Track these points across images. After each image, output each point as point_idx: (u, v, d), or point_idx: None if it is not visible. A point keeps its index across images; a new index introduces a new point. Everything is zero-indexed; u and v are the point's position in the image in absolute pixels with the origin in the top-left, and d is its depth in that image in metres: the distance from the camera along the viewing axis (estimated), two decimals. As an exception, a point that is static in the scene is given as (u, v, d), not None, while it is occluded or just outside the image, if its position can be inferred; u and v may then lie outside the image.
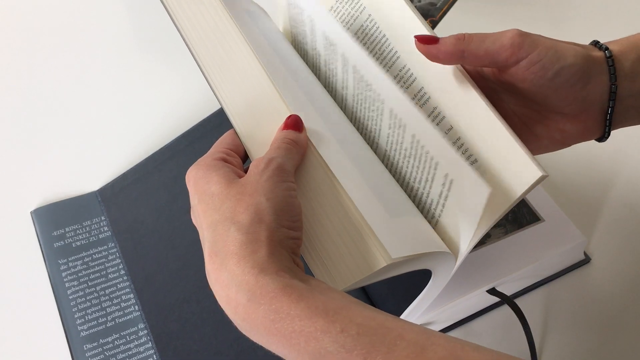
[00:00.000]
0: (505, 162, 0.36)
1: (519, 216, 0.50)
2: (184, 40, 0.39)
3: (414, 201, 0.40)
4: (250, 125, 0.37)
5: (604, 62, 0.37)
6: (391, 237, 0.34)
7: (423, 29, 0.39)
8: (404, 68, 0.41)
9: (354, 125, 0.43)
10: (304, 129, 0.36)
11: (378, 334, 0.28)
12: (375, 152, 0.42)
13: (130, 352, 0.46)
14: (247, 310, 0.30)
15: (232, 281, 0.30)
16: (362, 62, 0.39)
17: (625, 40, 0.39)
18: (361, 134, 0.43)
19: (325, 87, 0.45)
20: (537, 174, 0.34)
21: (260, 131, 0.37)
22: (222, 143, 0.37)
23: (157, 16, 0.70)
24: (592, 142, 0.41)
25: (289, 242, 0.32)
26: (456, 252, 0.38)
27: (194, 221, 0.35)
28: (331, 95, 0.45)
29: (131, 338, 0.47)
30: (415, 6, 0.70)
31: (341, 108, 0.44)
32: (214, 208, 0.32)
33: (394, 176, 0.41)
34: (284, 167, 0.34)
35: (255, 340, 0.31)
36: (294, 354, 0.30)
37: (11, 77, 0.64)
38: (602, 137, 0.40)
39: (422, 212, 0.40)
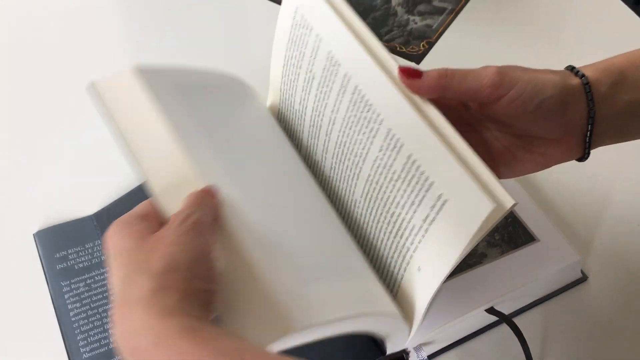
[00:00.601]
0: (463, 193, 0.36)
1: (515, 236, 0.51)
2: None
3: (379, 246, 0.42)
4: (163, 187, 0.37)
5: (582, 88, 0.39)
6: (300, 303, 0.34)
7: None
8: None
9: (334, 162, 0.44)
10: (217, 193, 0.36)
11: None
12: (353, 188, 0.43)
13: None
14: (151, 355, 0.29)
15: (138, 328, 0.30)
16: (370, 75, 0.40)
17: (600, 65, 0.41)
18: (338, 178, 0.44)
19: (310, 123, 0.46)
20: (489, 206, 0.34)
21: (174, 194, 0.36)
22: (143, 204, 0.37)
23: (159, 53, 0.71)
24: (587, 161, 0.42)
25: (202, 295, 0.32)
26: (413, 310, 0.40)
27: (109, 285, 0.35)
28: (314, 127, 0.46)
29: None
30: (412, 28, 0.71)
31: (324, 145, 0.45)
32: (126, 262, 0.32)
33: (368, 209, 0.42)
34: (202, 221, 0.34)
35: None
36: None
37: (14, 98, 0.65)
38: (583, 157, 0.42)
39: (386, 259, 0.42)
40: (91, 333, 0.48)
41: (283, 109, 0.50)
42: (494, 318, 0.48)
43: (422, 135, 0.37)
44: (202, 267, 0.32)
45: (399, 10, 0.74)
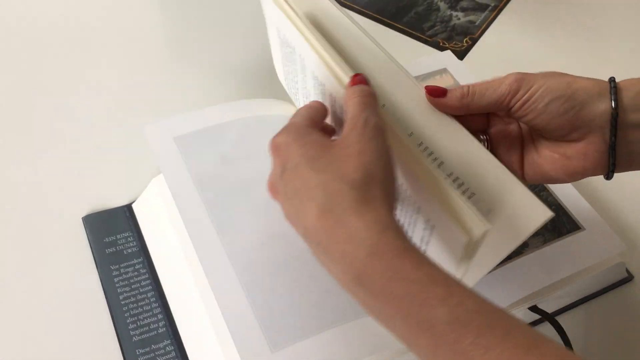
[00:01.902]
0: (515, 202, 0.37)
1: (559, 224, 0.51)
2: None
3: None
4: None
5: (608, 92, 0.40)
6: None
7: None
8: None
9: None
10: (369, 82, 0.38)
11: (494, 317, 0.29)
12: None
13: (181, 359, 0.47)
14: (364, 265, 0.29)
15: (352, 236, 0.30)
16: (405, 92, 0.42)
17: (636, 80, 0.41)
18: None
19: None
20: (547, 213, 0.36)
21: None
22: (303, 113, 0.38)
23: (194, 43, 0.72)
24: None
25: (393, 201, 0.33)
26: None
27: (274, 191, 0.35)
28: None
29: (181, 344, 0.48)
30: (455, 24, 0.71)
31: None
32: (319, 169, 0.32)
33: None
34: (380, 125, 0.35)
35: (357, 299, 0.31)
36: (399, 320, 0.29)
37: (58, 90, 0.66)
38: (608, 174, 0.42)
39: None
40: (140, 317, 0.49)
41: None
42: (536, 316, 0.49)
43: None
44: (392, 175, 0.33)
45: (442, 5, 0.74)
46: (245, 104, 0.56)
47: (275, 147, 0.35)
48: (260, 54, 0.63)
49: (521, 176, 0.43)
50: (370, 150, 0.33)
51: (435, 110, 0.41)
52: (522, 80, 0.40)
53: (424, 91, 0.41)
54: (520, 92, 0.40)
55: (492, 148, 0.44)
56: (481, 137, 0.44)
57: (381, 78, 0.42)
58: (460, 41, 0.70)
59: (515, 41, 0.70)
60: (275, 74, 0.57)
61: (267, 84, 0.62)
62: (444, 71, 0.58)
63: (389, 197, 0.33)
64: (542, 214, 0.36)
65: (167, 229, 0.52)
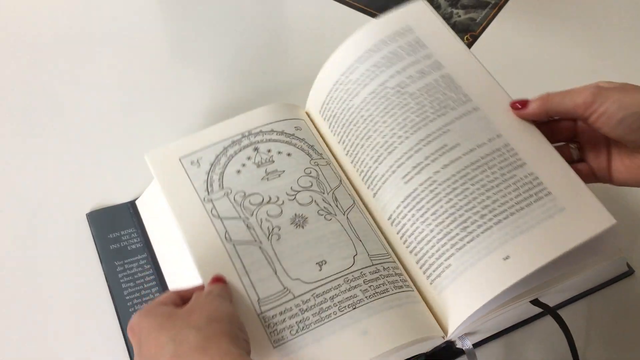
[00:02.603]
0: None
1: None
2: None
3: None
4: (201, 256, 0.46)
5: None
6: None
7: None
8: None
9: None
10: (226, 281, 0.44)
11: None
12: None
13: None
14: None
15: None
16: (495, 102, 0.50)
17: None
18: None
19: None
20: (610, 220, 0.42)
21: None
22: (162, 297, 0.42)
23: (197, 37, 0.72)
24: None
25: (243, 343, 0.38)
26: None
27: None
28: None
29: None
30: (455, 21, 0.72)
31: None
32: (169, 327, 0.37)
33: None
34: (225, 293, 0.42)
35: None
36: None
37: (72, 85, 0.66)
38: None
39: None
40: (145, 312, 0.49)
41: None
42: (537, 310, 0.49)
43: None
44: (235, 321, 0.39)
45: (442, 3, 0.74)
46: (255, 114, 0.54)
47: (130, 329, 0.40)
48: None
49: (609, 180, 0.47)
50: (212, 306, 0.39)
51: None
52: (597, 94, 0.43)
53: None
54: (595, 106, 0.43)
55: (582, 154, 0.48)
56: (571, 146, 0.48)
57: (475, 89, 0.49)
58: (461, 38, 0.70)
59: (516, 38, 0.71)
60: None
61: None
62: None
63: (233, 331, 0.38)
64: (606, 220, 0.42)
65: (170, 226, 0.52)
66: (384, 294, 0.44)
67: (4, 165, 0.59)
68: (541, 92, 0.63)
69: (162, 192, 0.49)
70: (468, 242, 0.44)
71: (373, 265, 0.45)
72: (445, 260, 0.45)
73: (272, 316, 0.43)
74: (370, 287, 0.44)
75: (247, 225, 0.47)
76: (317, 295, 0.44)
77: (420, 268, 0.46)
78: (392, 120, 0.49)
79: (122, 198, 0.57)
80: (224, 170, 0.50)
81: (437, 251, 0.45)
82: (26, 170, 0.59)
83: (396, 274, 0.45)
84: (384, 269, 0.45)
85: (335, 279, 0.44)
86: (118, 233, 0.54)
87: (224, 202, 0.48)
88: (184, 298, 0.42)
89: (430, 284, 0.45)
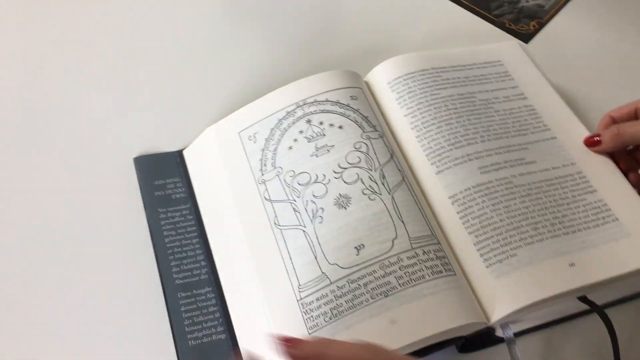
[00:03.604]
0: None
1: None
2: None
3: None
4: None
5: None
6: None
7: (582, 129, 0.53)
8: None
9: None
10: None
11: None
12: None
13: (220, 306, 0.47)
14: None
15: None
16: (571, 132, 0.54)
17: None
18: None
19: None
20: None
21: None
22: None
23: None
24: None
25: None
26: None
27: None
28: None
29: (223, 293, 0.48)
30: (523, 6, 0.69)
31: None
32: None
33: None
34: None
35: None
36: None
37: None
38: None
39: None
40: (184, 262, 0.49)
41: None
42: (585, 306, 0.47)
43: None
44: None
45: (511, -14, 0.71)
46: (311, 81, 0.54)
47: None
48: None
49: None
50: None
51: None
52: None
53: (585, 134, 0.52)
54: None
55: None
56: None
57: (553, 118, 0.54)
58: (527, 24, 0.68)
59: (584, 30, 0.68)
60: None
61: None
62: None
63: None
64: None
65: (216, 180, 0.51)
66: (419, 282, 0.43)
67: (64, 97, 0.59)
68: (605, 90, 0.61)
69: (224, 172, 0.51)
70: (537, 241, 0.45)
71: (412, 249, 0.44)
72: (512, 250, 0.45)
73: (310, 302, 0.43)
74: (405, 273, 0.43)
75: (294, 209, 0.47)
76: (351, 281, 0.44)
77: (478, 250, 0.45)
78: (476, 121, 0.52)
79: (171, 146, 0.56)
80: (278, 147, 0.50)
81: (503, 239, 0.45)
82: (79, 109, 0.59)
83: (437, 257, 0.44)
84: (423, 252, 0.44)
85: (371, 265, 0.44)
86: (163, 181, 0.53)
87: (275, 183, 0.49)
88: None
89: (487, 267, 0.44)
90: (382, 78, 0.55)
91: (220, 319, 0.47)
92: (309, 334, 0.42)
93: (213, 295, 0.48)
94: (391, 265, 0.44)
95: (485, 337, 0.46)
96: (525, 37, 0.67)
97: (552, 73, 0.59)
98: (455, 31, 0.67)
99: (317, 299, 0.43)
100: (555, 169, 0.50)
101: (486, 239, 0.45)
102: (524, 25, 0.68)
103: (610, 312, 0.47)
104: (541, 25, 0.68)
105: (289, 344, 0.34)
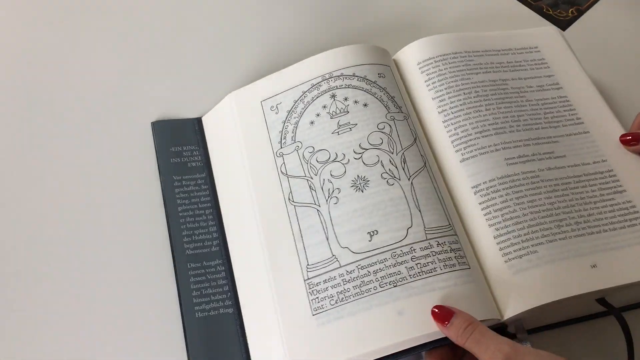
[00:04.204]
0: None
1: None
2: None
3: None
4: None
5: None
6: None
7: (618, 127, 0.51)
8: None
9: None
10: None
11: None
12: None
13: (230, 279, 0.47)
14: None
15: None
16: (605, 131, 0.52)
17: None
18: None
19: None
20: None
21: None
22: None
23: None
24: None
25: None
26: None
27: None
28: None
29: (233, 266, 0.47)
30: (561, -9, 0.66)
31: None
32: None
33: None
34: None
35: None
36: None
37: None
38: None
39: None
40: (196, 232, 0.48)
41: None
42: (602, 308, 0.46)
43: None
44: None
45: (552, -31, 0.69)
46: (339, 53, 0.52)
47: None
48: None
49: None
50: None
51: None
52: None
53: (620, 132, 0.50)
54: None
55: None
56: None
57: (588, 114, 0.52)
58: (566, 10, 0.66)
59: (625, 20, 0.65)
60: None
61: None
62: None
63: None
64: None
65: (233, 149, 0.50)
66: (430, 274, 0.42)
67: (79, 61, 0.58)
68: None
69: (243, 142, 0.50)
70: (560, 239, 0.44)
71: (427, 240, 0.43)
72: (533, 246, 0.43)
73: (317, 283, 0.43)
74: (417, 264, 0.42)
75: (310, 186, 0.46)
76: (361, 267, 0.43)
77: (498, 244, 0.44)
78: (507, 110, 0.50)
79: (190, 113, 0.55)
80: (299, 120, 0.49)
81: (525, 234, 0.43)
82: (99, 69, 0.58)
83: (452, 249, 0.43)
84: (437, 244, 0.43)
85: (383, 252, 0.43)
86: (180, 148, 0.52)
87: (294, 158, 0.47)
88: None
89: (506, 262, 0.43)
90: (412, 58, 0.53)
91: (229, 293, 0.46)
92: (313, 315, 0.42)
93: (223, 268, 0.47)
94: (403, 255, 0.43)
95: (498, 333, 0.45)
96: (563, 23, 0.64)
97: (589, 63, 0.57)
98: (490, 13, 0.65)
99: (325, 281, 0.42)
100: (585, 165, 0.48)
101: (507, 233, 0.44)
102: (562, 11, 0.65)
103: (627, 315, 0.46)
104: (580, 13, 0.66)
105: None
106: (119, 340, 0.45)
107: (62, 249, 0.48)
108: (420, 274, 0.42)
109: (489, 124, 0.49)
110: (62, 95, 0.56)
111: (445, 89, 0.51)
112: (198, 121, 0.54)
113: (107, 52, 0.59)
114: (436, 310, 0.40)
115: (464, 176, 0.47)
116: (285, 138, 0.49)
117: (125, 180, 0.51)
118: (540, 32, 0.57)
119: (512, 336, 0.45)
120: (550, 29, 0.58)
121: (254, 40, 0.61)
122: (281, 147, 0.48)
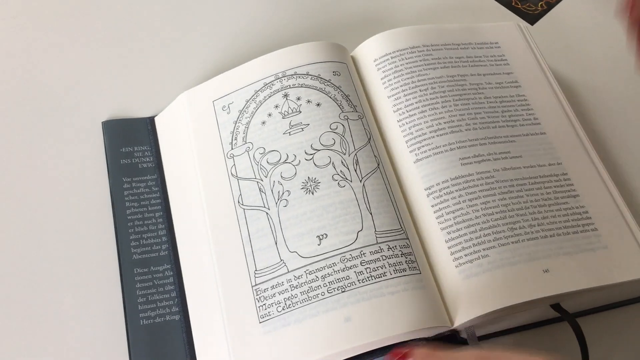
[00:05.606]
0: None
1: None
2: None
3: None
4: None
5: None
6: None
7: None
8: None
9: None
10: None
11: None
12: None
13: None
14: None
15: None
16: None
17: None
18: None
19: None
20: None
21: None
22: None
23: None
24: None
25: None
26: None
27: None
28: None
29: (181, 271, 0.46)
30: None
31: None
32: None
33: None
34: None
35: None
36: None
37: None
38: None
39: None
40: (144, 236, 0.47)
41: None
42: (556, 314, 0.45)
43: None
44: None
45: (522, -39, 0.67)
46: (293, 51, 0.50)
47: None
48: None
49: None
50: None
51: None
52: None
53: None
54: None
55: None
56: None
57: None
58: (535, 4, 0.64)
59: (594, 14, 0.64)
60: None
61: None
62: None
63: None
64: None
65: (184, 150, 0.49)
66: (379, 279, 0.41)
67: (29, 56, 0.57)
68: (611, 83, 0.57)
69: (194, 143, 0.48)
70: (513, 243, 0.43)
71: (377, 243, 0.42)
72: (484, 250, 0.42)
73: (264, 289, 0.42)
74: (366, 269, 0.41)
75: (260, 188, 0.45)
76: (310, 272, 0.42)
77: (449, 248, 0.43)
78: (464, 107, 0.48)
79: (143, 112, 0.53)
80: (251, 120, 0.48)
81: (477, 237, 0.42)
82: (51, 67, 0.56)
83: (403, 253, 0.42)
84: (388, 248, 0.42)
85: (332, 257, 0.42)
86: (131, 148, 0.51)
87: (244, 159, 0.46)
88: None
89: (457, 267, 0.42)
90: (369, 54, 0.52)
91: (177, 299, 0.45)
92: (260, 322, 0.41)
93: (171, 273, 0.46)
94: (352, 259, 0.42)
95: (449, 339, 0.44)
96: (532, 17, 0.63)
97: (556, 59, 0.56)
98: (457, 5, 0.63)
99: (272, 287, 0.42)
100: (541, 167, 0.47)
101: (459, 237, 0.43)
102: (531, 4, 0.64)
103: (582, 321, 0.46)
104: (550, 7, 0.64)
105: None
106: (60, 348, 0.44)
107: (2, 249, 0.47)
108: (370, 278, 0.41)
109: (445, 122, 0.47)
110: (8, 92, 0.54)
111: (401, 86, 0.49)
112: (151, 121, 0.53)
113: (57, 49, 0.57)
114: (390, 357, 0.39)
115: (418, 177, 0.46)
116: (236, 139, 0.48)
117: (73, 182, 0.50)
118: (502, 27, 0.56)
119: (464, 342, 0.45)
120: (511, 24, 0.56)
121: (210, 37, 0.59)
122: (232, 148, 0.47)
